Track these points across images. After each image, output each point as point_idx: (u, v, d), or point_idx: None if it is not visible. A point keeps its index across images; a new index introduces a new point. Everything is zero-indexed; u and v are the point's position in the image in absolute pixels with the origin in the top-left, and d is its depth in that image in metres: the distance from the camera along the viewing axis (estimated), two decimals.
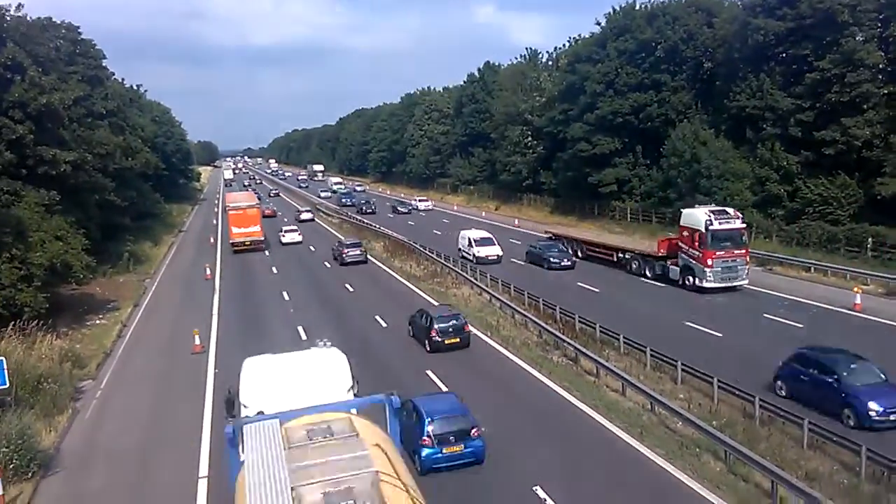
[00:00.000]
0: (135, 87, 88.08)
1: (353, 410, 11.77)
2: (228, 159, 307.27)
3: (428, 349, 25.30)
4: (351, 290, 37.63)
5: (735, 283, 32.73)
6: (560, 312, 28.27)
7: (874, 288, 31.97)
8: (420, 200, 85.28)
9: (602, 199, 58.56)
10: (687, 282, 33.56)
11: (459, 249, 45.81)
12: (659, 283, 35.53)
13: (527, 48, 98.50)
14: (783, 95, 43.35)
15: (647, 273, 36.83)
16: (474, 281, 36.07)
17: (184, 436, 19.15)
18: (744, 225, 33.77)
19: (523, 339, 26.78)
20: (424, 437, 15.86)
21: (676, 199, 49.23)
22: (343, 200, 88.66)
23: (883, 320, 27.17)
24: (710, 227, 32.17)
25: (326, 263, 46.21)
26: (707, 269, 32.32)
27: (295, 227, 58.72)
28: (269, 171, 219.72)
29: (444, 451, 15.86)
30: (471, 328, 26.58)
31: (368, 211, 77.10)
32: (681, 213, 35.36)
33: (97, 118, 46.97)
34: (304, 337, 28.24)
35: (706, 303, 31.59)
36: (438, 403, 17.16)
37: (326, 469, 8.79)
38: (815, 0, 40.79)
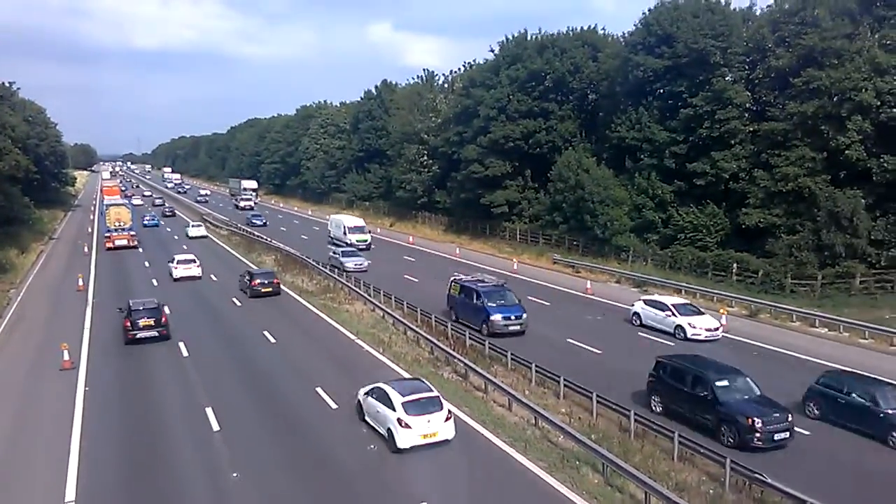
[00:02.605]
0: (6, 84, 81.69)
1: None
2: (107, 164, 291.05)
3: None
4: (239, 304, 36.61)
5: None
6: (452, 329, 28.77)
7: (738, 310, 34.63)
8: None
9: (494, 220, 60.15)
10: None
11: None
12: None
13: (424, 70, 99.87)
14: (659, 129, 46.39)
15: None
16: (367, 297, 36.00)
17: (50, 460, 17.91)
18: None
19: (415, 355, 27.01)
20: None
21: (562, 222, 51.46)
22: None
23: (745, 339, 29.51)
24: None
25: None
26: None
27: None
28: (168, 184, 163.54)
29: None
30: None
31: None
32: None
33: None
34: (185, 354, 27.17)
35: (589, 321, 33.06)
36: None
37: None
38: (690, 41, 44.12)
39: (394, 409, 17.97)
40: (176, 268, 43.62)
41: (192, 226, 67.65)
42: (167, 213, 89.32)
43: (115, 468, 17.41)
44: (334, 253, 48.09)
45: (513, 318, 29.31)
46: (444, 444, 18.08)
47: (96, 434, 19.42)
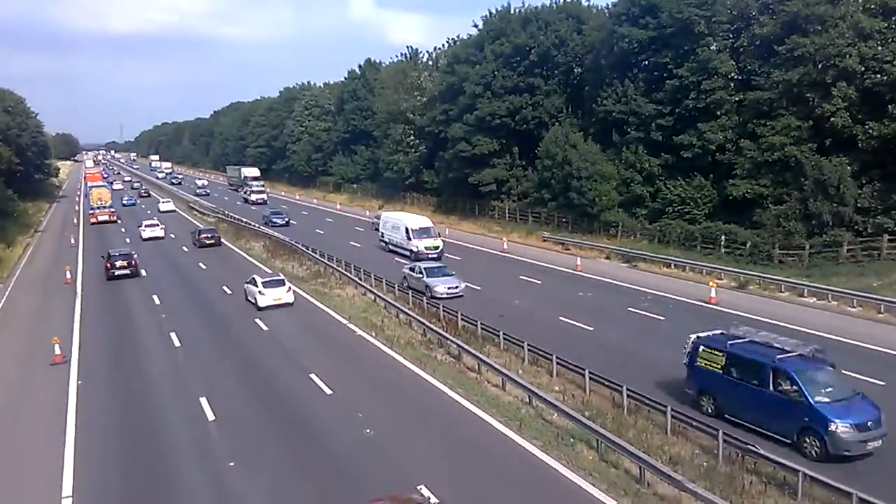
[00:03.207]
0: None
1: None
2: (90, 153, 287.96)
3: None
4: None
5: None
6: (444, 311, 28.80)
7: (727, 282, 34.83)
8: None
9: (482, 199, 60.01)
10: None
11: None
12: None
13: (408, 47, 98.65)
14: (646, 101, 46.22)
15: None
16: (359, 281, 35.93)
17: (43, 455, 17.87)
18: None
19: (408, 337, 27.05)
20: None
21: (551, 199, 51.38)
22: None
23: (734, 311, 29.63)
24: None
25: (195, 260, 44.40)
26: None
27: None
28: (159, 174, 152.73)
29: None
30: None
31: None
32: None
33: None
34: (177, 344, 27.13)
35: (579, 298, 33.19)
36: None
37: None
38: (674, 10, 43.82)
39: (257, 286, 31.85)
40: (144, 230, 56.25)
41: (162, 202, 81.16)
42: (143, 195, 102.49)
43: (113, 460, 17.41)
44: (411, 270, 35.06)
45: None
46: (287, 306, 31.75)
47: (91, 426, 19.40)
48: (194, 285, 38.99)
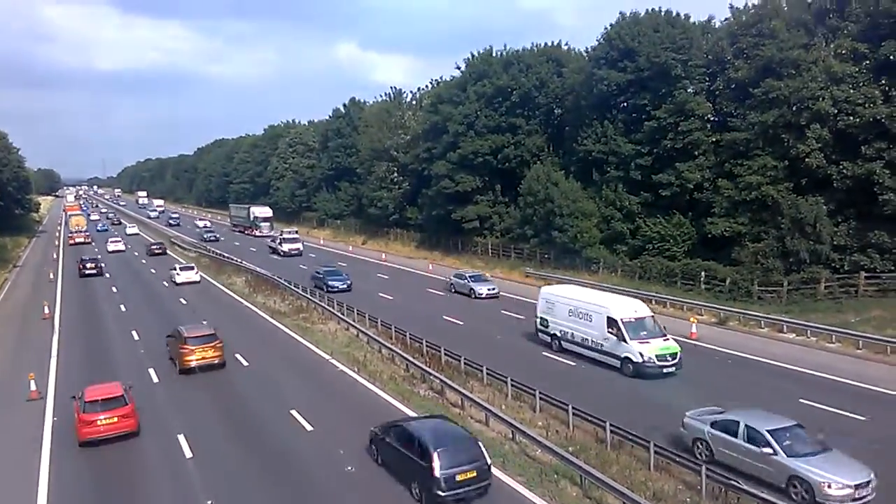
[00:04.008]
0: None
1: None
2: (72, 188, 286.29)
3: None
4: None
5: None
6: (427, 346, 28.70)
7: (707, 318, 35.10)
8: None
9: (465, 235, 60.35)
10: None
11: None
12: None
13: (391, 87, 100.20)
14: (625, 141, 47.10)
15: None
16: (341, 316, 35.79)
17: (16, 492, 17.43)
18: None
19: (391, 373, 26.89)
20: None
21: (533, 235, 51.82)
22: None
23: (714, 347, 29.96)
24: None
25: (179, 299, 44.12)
26: None
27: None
28: (150, 212, 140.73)
29: None
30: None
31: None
32: None
33: None
34: (155, 380, 26.75)
35: None
36: None
37: None
38: (651, 54, 45.00)
39: (177, 270, 49.42)
40: (109, 245, 74.85)
41: (128, 226, 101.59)
42: (115, 223, 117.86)
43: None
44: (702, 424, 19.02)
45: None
46: (196, 284, 47.14)
47: (66, 467, 18.98)
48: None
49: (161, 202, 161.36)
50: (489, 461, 16.55)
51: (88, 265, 55.47)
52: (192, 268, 52.01)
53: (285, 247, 68.00)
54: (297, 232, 76.38)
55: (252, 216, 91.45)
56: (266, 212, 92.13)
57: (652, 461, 17.61)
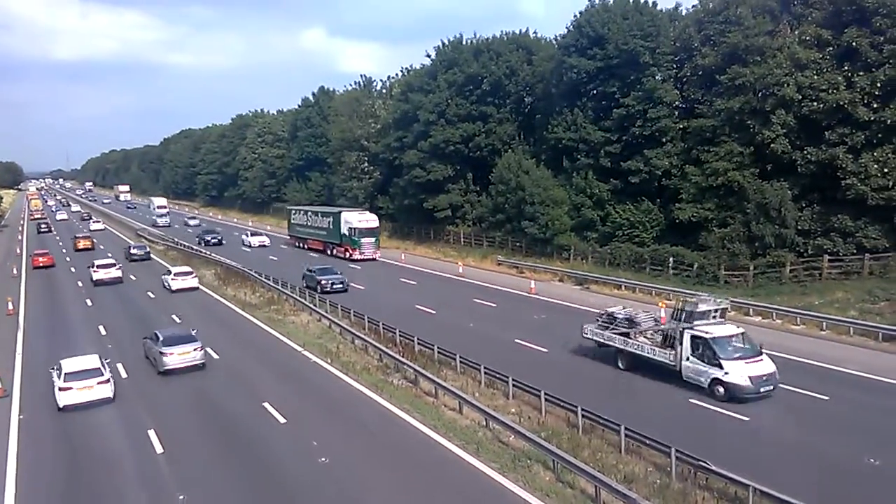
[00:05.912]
0: None
1: None
2: (34, 181, 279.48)
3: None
4: (178, 321, 35.65)
5: None
6: (400, 335, 28.69)
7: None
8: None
9: (437, 224, 60.32)
10: None
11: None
12: None
13: (361, 76, 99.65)
14: (594, 129, 47.37)
15: None
16: (313, 307, 35.58)
17: None
18: None
19: (364, 363, 26.83)
20: None
21: (505, 222, 51.99)
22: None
23: None
24: None
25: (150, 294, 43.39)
26: None
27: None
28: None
29: None
30: None
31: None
32: None
33: None
34: (124, 375, 26.35)
35: (534, 320, 33.46)
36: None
37: None
38: (620, 42, 45.23)
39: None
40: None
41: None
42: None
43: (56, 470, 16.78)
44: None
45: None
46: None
47: (34, 465, 18.64)
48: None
49: (164, 201, 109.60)
50: None
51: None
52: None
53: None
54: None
55: (347, 226, 56.98)
56: (370, 220, 57.52)
57: (623, 444, 17.86)
